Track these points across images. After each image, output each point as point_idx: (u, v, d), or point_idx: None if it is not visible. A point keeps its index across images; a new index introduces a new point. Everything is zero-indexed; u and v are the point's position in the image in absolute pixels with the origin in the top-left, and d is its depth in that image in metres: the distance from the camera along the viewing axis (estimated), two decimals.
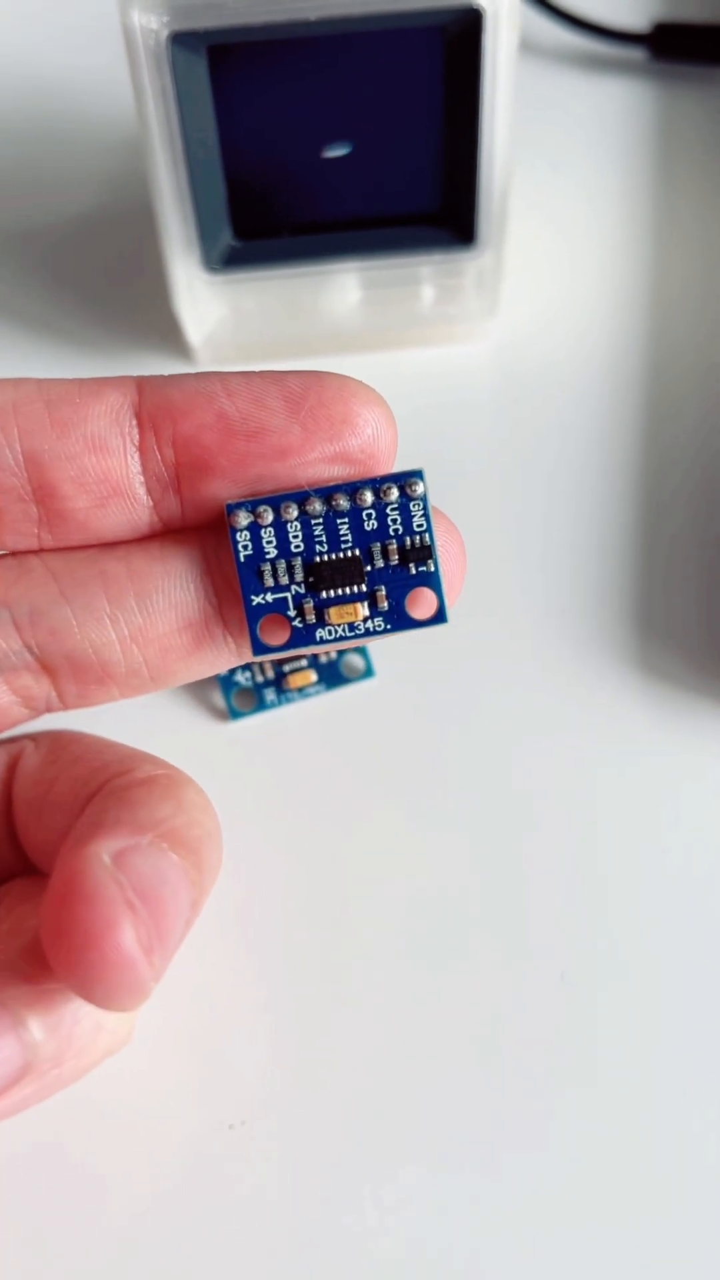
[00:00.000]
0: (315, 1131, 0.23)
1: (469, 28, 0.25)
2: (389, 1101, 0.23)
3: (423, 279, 0.30)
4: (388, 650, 0.28)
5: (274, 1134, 0.23)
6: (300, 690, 0.27)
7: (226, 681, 0.27)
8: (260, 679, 0.27)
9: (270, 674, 0.27)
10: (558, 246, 0.34)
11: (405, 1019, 0.24)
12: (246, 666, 0.27)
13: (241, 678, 0.27)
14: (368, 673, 0.27)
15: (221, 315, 0.30)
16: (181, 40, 0.25)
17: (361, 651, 0.28)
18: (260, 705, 0.27)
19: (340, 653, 0.27)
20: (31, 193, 0.34)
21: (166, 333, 0.32)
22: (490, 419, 0.31)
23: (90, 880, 0.17)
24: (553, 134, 0.35)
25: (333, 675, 0.27)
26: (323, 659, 0.27)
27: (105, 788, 0.19)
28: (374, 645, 0.28)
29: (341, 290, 0.30)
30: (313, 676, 0.27)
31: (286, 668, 0.27)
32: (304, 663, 0.27)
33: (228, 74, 0.26)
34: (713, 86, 0.36)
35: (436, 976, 0.24)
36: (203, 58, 0.26)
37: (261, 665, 0.27)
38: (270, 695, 0.27)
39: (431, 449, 0.28)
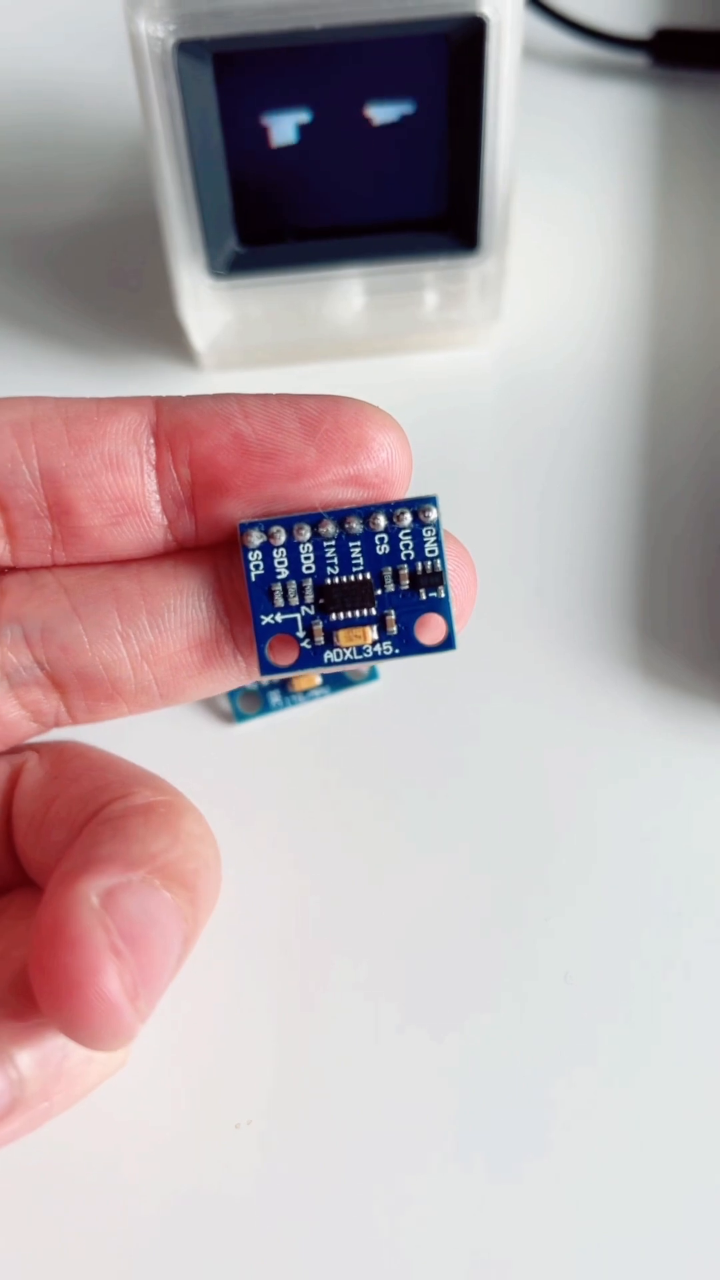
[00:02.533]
0: (321, 1131, 0.23)
1: (473, 35, 0.26)
2: (394, 1101, 0.23)
3: (426, 284, 0.30)
4: None
5: (280, 1133, 0.23)
6: (305, 693, 0.27)
7: None
8: (265, 682, 0.27)
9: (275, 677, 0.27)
10: (560, 251, 0.34)
11: (410, 1019, 0.24)
12: None
13: None
14: (372, 676, 0.28)
15: (226, 320, 0.31)
16: (187, 48, 0.25)
17: None
18: (265, 708, 0.27)
19: None
20: (38, 198, 0.35)
21: (171, 338, 0.32)
22: (493, 423, 0.31)
23: (76, 923, 0.17)
24: (555, 139, 0.36)
25: (337, 679, 0.27)
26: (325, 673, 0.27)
27: (101, 813, 0.19)
28: None
29: (345, 295, 0.30)
30: (317, 679, 0.27)
31: None
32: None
33: (233, 81, 0.26)
34: (714, 92, 0.36)
35: (440, 978, 0.25)
36: (208, 65, 0.26)
37: None
38: (275, 698, 0.27)
39: (435, 453, 0.28)
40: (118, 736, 0.23)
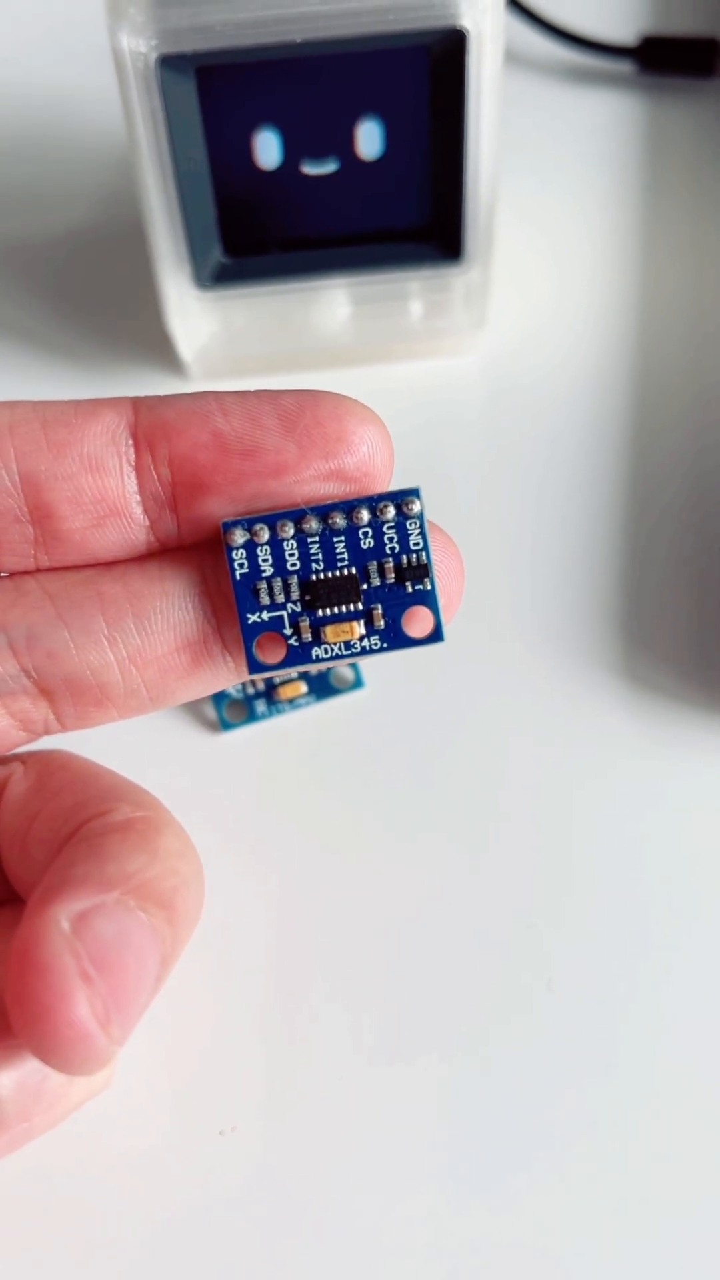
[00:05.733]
0: (305, 1137, 0.23)
1: (454, 48, 0.26)
2: (376, 1107, 0.24)
3: (411, 294, 0.30)
4: (377, 662, 0.28)
5: (264, 1139, 0.23)
6: (290, 701, 0.27)
7: (218, 693, 0.27)
8: (251, 690, 0.27)
9: (261, 685, 0.28)
10: (546, 259, 0.34)
11: (392, 1026, 0.24)
12: None
13: (232, 689, 0.27)
14: (357, 684, 0.28)
15: (213, 331, 0.31)
16: (170, 63, 0.25)
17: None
18: (251, 717, 0.27)
19: None
20: (26, 209, 0.35)
21: (159, 348, 0.32)
22: (479, 431, 0.31)
23: (45, 949, 0.17)
24: (542, 147, 0.36)
25: (323, 686, 0.28)
26: (313, 671, 0.28)
27: (81, 831, 0.19)
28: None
29: (331, 306, 0.31)
30: (303, 688, 0.27)
31: (277, 679, 0.27)
32: (294, 674, 0.28)
33: (216, 95, 0.26)
34: (700, 99, 0.36)
35: (423, 985, 0.25)
36: (191, 79, 0.26)
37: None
38: (261, 707, 0.27)
39: (421, 461, 0.28)
40: (104, 746, 0.23)
